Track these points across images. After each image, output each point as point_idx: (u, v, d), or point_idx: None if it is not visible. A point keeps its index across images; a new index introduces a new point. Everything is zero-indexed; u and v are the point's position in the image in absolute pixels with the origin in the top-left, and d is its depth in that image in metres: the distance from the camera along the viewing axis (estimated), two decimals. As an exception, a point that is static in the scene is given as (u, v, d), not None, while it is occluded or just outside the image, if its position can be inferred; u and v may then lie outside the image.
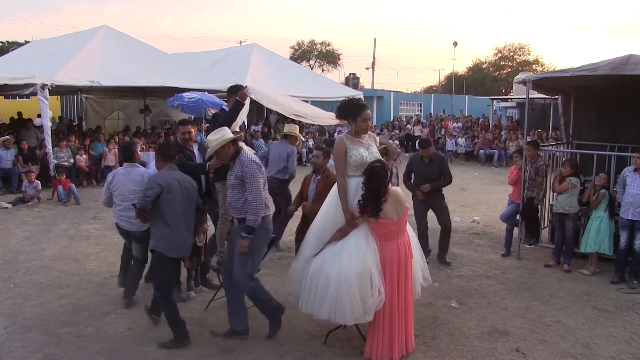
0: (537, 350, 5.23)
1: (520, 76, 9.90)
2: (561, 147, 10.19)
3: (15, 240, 9.14)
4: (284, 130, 9.01)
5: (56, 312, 6.03)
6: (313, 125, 21.02)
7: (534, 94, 13.00)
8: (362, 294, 4.69)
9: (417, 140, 8.65)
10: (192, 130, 6.65)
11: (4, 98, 22.12)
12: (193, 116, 16.51)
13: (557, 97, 10.62)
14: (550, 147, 10.26)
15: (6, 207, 11.73)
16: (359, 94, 19.44)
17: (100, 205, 11.77)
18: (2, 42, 43.11)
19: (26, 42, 28.30)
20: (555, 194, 8.18)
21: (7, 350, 5.11)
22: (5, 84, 13.98)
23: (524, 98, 9.79)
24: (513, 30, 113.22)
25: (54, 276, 7.25)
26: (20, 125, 17.36)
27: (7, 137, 14.70)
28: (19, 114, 19.45)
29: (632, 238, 7.20)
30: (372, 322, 4.88)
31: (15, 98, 21.83)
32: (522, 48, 59.50)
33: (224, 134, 5.27)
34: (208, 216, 6.77)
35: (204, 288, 6.69)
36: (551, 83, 9.14)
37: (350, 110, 5.24)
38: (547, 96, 16.69)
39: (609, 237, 7.50)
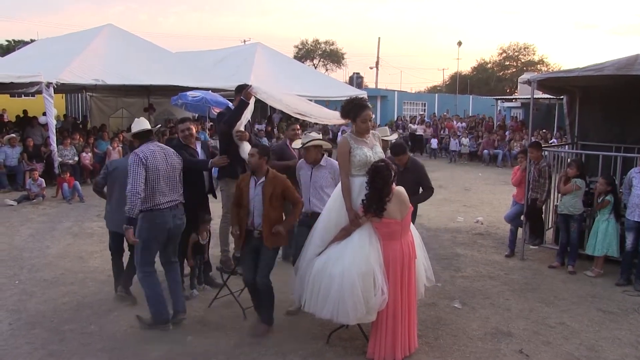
0: (540, 352, 5.21)
1: (525, 76, 9.90)
2: (566, 148, 10.16)
3: (20, 237, 9.16)
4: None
5: (60, 309, 6.05)
6: (317, 124, 21.01)
7: (539, 94, 12.95)
8: (365, 294, 4.68)
9: (390, 146, 6.96)
10: (193, 127, 6.64)
11: (10, 96, 22.22)
12: (197, 115, 16.51)
13: (562, 97, 10.58)
14: (555, 147, 10.22)
15: (11, 205, 11.76)
16: (362, 94, 19.46)
17: (104, 203, 11.81)
18: (8, 41, 43.35)
19: (32, 41, 28.40)
20: (560, 195, 8.15)
21: (12, 346, 5.13)
22: (12, 82, 14.08)
23: (529, 98, 9.76)
24: (518, 30, 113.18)
25: (58, 273, 7.27)
26: (25, 123, 17.44)
27: (13, 134, 14.79)
28: (25, 112, 19.54)
29: (638, 240, 7.16)
30: (375, 322, 4.87)
31: (21, 96, 21.95)
32: (527, 48, 59.39)
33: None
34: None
35: (207, 286, 6.69)
36: (556, 83, 9.11)
37: (351, 111, 5.24)
38: (552, 96, 16.65)
39: (616, 239, 7.47)
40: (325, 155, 6.03)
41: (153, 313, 5.50)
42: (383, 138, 7.31)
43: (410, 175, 6.56)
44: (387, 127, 9.82)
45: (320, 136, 6.06)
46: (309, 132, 6.17)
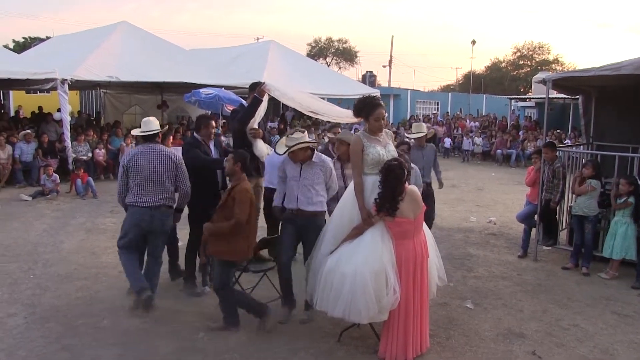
0: (554, 354, 5.17)
1: (540, 75, 9.84)
2: (581, 148, 10.07)
3: (35, 232, 9.24)
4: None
5: (73, 303, 6.09)
6: (329, 122, 20.99)
7: (554, 94, 12.86)
8: (377, 293, 4.67)
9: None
10: (215, 126, 6.70)
11: (26, 92, 22.40)
12: (210, 112, 16.55)
13: (577, 97, 10.49)
14: (570, 148, 10.13)
15: (26, 200, 11.87)
16: (375, 92, 19.36)
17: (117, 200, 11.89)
18: (24, 38, 43.73)
19: (47, 38, 28.63)
20: (574, 195, 8.09)
21: (27, 340, 5.17)
22: (27, 79, 14.19)
23: (543, 98, 9.69)
24: (532, 29, 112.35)
25: (72, 268, 7.32)
26: (40, 120, 17.58)
27: (28, 131, 14.92)
28: (40, 108, 19.70)
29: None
30: (387, 322, 4.86)
31: (36, 92, 22.07)
32: (542, 47, 59.01)
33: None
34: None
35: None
36: (572, 83, 9.03)
37: (364, 109, 5.22)
38: (567, 96, 16.52)
39: (635, 243, 7.39)
40: (315, 151, 5.84)
41: (130, 282, 5.95)
42: (418, 135, 8.36)
43: None
44: (422, 123, 9.93)
45: (305, 134, 5.86)
46: (291, 134, 5.85)
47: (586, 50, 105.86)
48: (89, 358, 4.86)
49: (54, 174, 12.74)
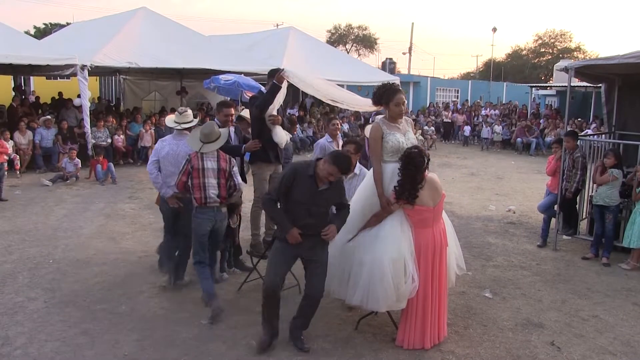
0: (573, 345, 5.12)
1: (562, 63, 9.68)
2: (603, 137, 9.92)
3: (55, 217, 9.34)
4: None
5: (92, 289, 6.15)
6: (348, 110, 20.91)
7: (575, 82, 12.67)
8: (395, 281, 4.65)
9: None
10: (234, 112, 6.67)
11: (46, 78, 22.54)
12: (229, 98, 16.56)
13: (600, 85, 10.32)
14: (592, 137, 9.99)
15: (47, 185, 11.99)
16: (395, 79, 19.25)
17: (136, 185, 12.01)
18: (45, 24, 44.03)
19: (67, 24, 28.76)
20: (595, 185, 7.97)
21: (48, 323, 5.25)
22: (47, 65, 14.30)
23: (565, 86, 9.55)
24: (554, 17, 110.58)
25: (91, 254, 7.39)
26: (60, 105, 17.71)
27: (48, 117, 15.06)
28: (60, 94, 19.82)
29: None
30: (405, 310, 4.84)
31: (57, 78, 22.23)
32: (564, 35, 58.22)
33: None
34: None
35: (237, 270, 6.73)
36: (595, 71, 8.88)
37: (384, 95, 5.17)
38: (589, 84, 16.26)
39: None
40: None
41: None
42: None
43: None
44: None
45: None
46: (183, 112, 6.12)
47: (608, 38, 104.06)
48: (108, 343, 4.91)
49: (77, 158, 12.87)
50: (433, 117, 25.87)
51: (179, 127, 6.11)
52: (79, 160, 12.96)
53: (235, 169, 5.88)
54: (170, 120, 6.36)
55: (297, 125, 18.78)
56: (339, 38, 59.61)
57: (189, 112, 6.35)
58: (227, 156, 5.76)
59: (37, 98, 20.17)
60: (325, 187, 4.68)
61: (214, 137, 5.55)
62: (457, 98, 36.73)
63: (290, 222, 4.68)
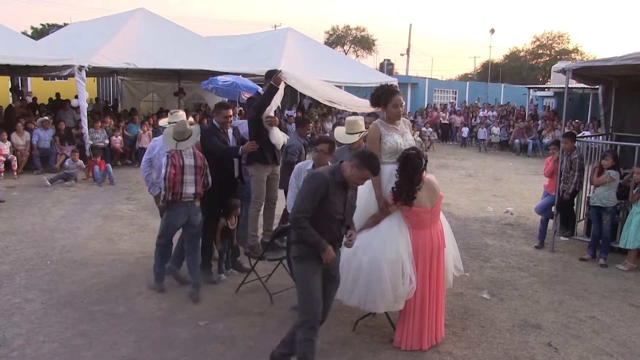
0: (570, 346, 5.13)
1: (560, 65, 9.69)
2: (600, 139, 9.93)
3: (52, 218, 9.33)
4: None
5: (90, 290, 6.14)
6: (346, 111, 20.91)
7: (573, 84, 12.69)
8: (393, 282, 4.66)
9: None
10: (232, 114, 6.69)
11: (44, 79, 22.53)
12: (227, 99, 16.57)
13: (597, 87, 10.33)
14: (589, 138, 10.01)
15: (48, 185, 11.97)
16: (393, 81, 19.26)
17: (134, 186, 12.00)
18: (42, 25, 43.99)
19: (65, 25, 28.74)
20: (592, 186, 7.98)
21: (45, 325, 5.24)
22: (45, 65, 14.28)
23: (562, 87, 9.56)
24: (551, 18, 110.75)
25: (88, 255, 7.38)
26: (58, 106, 17.68)
27: (46, 117, 15.04)
28: (57, 95, 19.78)
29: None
30: (403, 311, 4.85)
31: (54, 79, 22.23)
32: (561, 36, 58.21)
33: None
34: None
35: (234, 271, 6.73)
36: (592, 72, 8.89)
37: (382, 96, 5.17)
38: (586, 86, 16.29)
39: None
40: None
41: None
42: (350, 138, 6.12)
43: None
44: (359, 118, 6.58)
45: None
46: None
47: (606, 40, 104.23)
48: (106, 344, 4.91)
49: (79, 160, 12.90)
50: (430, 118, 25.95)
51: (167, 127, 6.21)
52: (82, 162, 13.00)
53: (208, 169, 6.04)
54: (164, 121, 6.52)
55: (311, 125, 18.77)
56: (337, 39, 59.59)
57: (180, 112, 6.57)
58: (202, 154, 5.95)
59: (35, 99, 20.14)
60: (351, 193, 4.39)
61: (186, 135, 5.78)
62: (455, 99, 36.77)
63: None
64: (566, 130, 9.24)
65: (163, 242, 6.03)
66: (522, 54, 60.48)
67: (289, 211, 5.71)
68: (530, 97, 30.50)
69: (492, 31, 55.93)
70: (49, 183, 12.07)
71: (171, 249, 6.24)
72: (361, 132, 6.04)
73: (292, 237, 4.36)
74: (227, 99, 16.41)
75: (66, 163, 12.94)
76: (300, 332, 4.18)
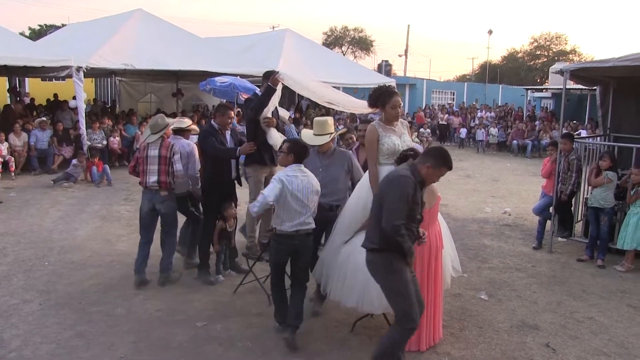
0: (568, 347, 5.13)
1: (558, 66, 9.72)
2: (598, 140, 9.95)
3: (50, 219, 9.31)
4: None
5: (88, 291, 6.14)
6: (344, 112, 20.91)
7: (570, 85, 12.72)
8: (390, 283, 4.65)
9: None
10: (233, 116, 6.72)
11: (41, 80, 22.51)
12: (225, 100, 16.57)
13: (594, 88, 10.35)
14: (587, 139, 10.02)
15: (51, 186, 11.99)
16: (391, 82, 19.27)
17: (132, 187, 11.97)
18: (40, 25, 43.99)
19: (63, 25, 28.74)
20: (590, 187, 8.00)
21: (43, 326, 5.23)
22: (43, 66, 14.28)
23: (560, 88, 9.60)
24: (549, 19, 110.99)
25: (86, 256, 7.37)
26: (55, 107, 17.67)
27: (43, 118, 15.02)
28: (55, 95, 19.78)
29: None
30: (401, 312, 4.84)
31: (52, 80, 22.21)
32: (559, 37, 58.33)
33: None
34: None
35: (232, 272, 6.72)
36: (590, 73, 8.92)
37: (380, 98, 5.17)
38: (584, 87, 16.33)
39: None
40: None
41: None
42: (319, 140, 5.76)
43: None
44: (329, 118, 6.25)
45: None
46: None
47: (604, 41, 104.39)
48: (103, 345, 4.90)
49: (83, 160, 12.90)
50: (429, 120, 25.96)
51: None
52: (85, 164, 12.98)
53: (176, 157, 6.26)
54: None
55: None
56: (335, 40, 59.66)
57: (186, 119, 7.26)
58: (169, 144, 6.28)
59: (32, 100, 20.13)
60: (423, 192, 4.27)
61: (157, 129, 6.26)
62: (453, 100, 36.82)
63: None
64: (564, 131, 9.24)
65: (140, 230, 6.51)
66: (519, 55, 60.60)
67: None
68: (528, 98, 30.56)
69: (490, 32, 56.15)
70: (52, 182, 12.10)
71: (148, 235, 6.50)
72: (331, 133, 5.83)
73: (373, 244, 4.24)
74: (225, 100, 16.45)
75: (73, 161, 12.90)
76: (401, 339, 4.26)
